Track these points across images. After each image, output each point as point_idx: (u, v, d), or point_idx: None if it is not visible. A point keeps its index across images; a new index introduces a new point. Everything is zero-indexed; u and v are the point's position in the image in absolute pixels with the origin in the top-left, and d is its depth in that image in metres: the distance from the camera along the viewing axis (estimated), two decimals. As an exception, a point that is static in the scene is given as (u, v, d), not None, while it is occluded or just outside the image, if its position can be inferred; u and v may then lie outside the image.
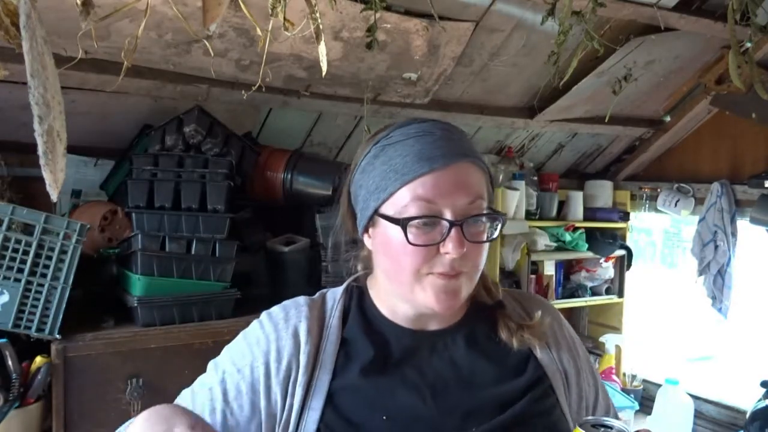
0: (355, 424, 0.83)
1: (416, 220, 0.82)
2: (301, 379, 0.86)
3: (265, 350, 0.88)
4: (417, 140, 0.85)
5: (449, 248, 0.82)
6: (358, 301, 0.96)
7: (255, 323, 0.93)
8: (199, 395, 0.88)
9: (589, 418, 0.79)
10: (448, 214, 0.83)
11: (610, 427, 0.75)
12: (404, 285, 0.86)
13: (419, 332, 0.92)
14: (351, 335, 0.91)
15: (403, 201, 0.84)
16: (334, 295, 0.97)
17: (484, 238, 0.86)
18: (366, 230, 0.92)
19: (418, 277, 0.85)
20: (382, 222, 0.86)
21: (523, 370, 0.91)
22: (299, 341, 0.88)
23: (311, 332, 0.89)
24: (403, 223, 0.82)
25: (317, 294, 0.98)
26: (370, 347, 0.89)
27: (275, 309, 0.94)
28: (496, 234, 0.87)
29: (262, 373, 0.86)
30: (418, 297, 0.86)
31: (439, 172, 0.83)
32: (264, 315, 0.94)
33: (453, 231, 0.82)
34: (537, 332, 0.93)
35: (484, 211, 0.85)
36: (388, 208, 0.85)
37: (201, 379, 0.91)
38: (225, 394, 0.86)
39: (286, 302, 0.95)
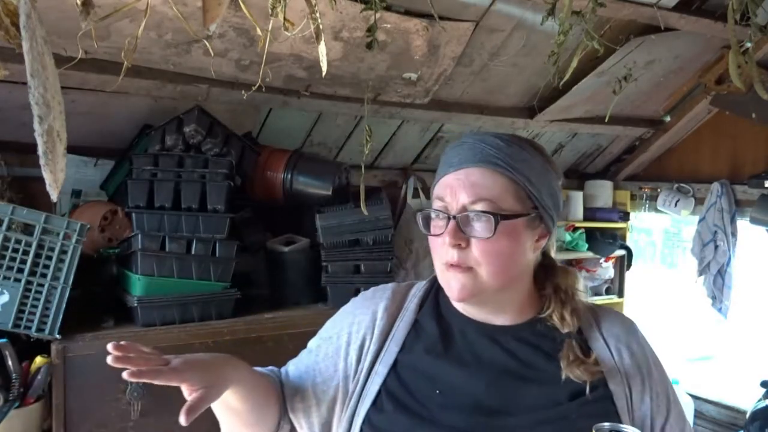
0: (411, 392, 0.96)
1: (429, 212, 0.97)
2: (372, 348, 1.01)
3: (349, 322, 1.05)
4: (452, 149, 0.99)
5: (445, 237, 0.93)
6: (437, 292, 1.07)
7: (351, 300, 1.12)
8: (303, 356, 1.09)
9: (605, 424, 0.81)
10: (452, 209, 0.94)
11: None
12: (438, 274, 0.99)
13: (483, 324, 1.00)
14: (423, 319, 1.04)
15: (433, 200, 0.99)
16: (419, 285, 1.10)
17: (481, 235, 0.92)
18: None
19: (442, 268, 0.96)
20: None
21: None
22: (376, 317, 1.04)
23: (388, 310, 1.04)
24: (422, 216, 0.99)
25: (406, 283, 1.13)
26: (436, 331, 1.01)
27: (368, 291, 1.11)
28: (491, 232, 0.92)
29: (345, 341, 1.04)
30: (445, 285, 0.97)
31: (451, 174, 0.96)
32: (359, 294, 1.12)
33: (450, 223, 0.93)
34: (590, 370, 0.95)
35: (482, 210, 0.92)
36: None
37: (309, 342, 1.10)
38: (317, 356, 1.05)
39: (378, 286, 1.12)
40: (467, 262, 0.93)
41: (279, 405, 1.02)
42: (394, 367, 0.99)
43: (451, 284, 0.95)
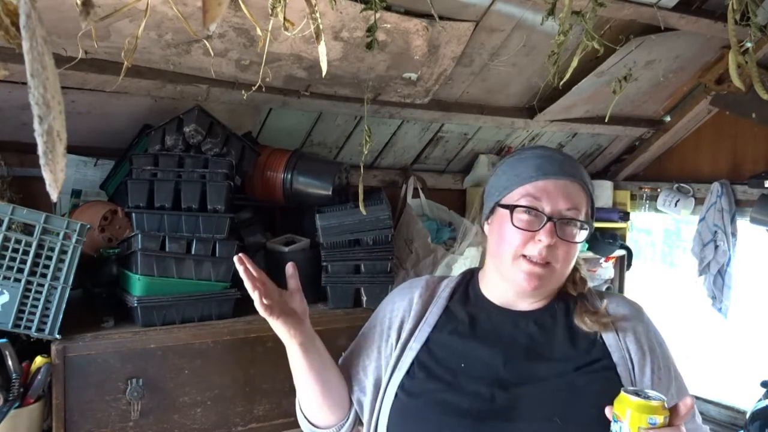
0: (440, 363, 1.12)
1: (521, 208, 1.10)
2: (407, 327, 1.19)
3: (390, 309, 1.24)
4: (539, 158, 1.14)
5: (542, 236, 1.07)
6: (467, 283, 1.25)
7: (390, 292, 1.31)
8: (352, 346, 1.28)
9: (630, 387, 0.95)
10: (547, 211, 1.09)
11: (649, 396, 0.92)
12: (505, 263, 1.12)
13: (507, 310, 1.17)
14: (454, 306, 1.20)
15: (517, 196, 1.12)
16: (451, 279, 1.27)
17: (571, 239, 1.09)
18: (487, 220, 1.20)
19: (515, 257, 1.10)
20: (500, 210, 1.14)
21: (590, 351, 1.11)
22: (412, 303, 1.22)
23: (422, 297, 1.22)
24: (511, 207, 1.11)
25: (438, 276, 1.31)
26: (465, 315, 1.18)
27: (405, 282, 1.30)
28: (580, 238, 1.11)
29: (386, 326, 1.22)
30: (514, 275, 1.11)
31: (550, 180, 1.11)
32: (398, 287, 1.30)
33: (548, 224, 1.08)
34: (601, 321, 1.13)
35: (578, 218, 1.10)
36: (505, 201, 1.13)
37: (359, 333, 1.29)
38: (364, 342, 1.25)
39: (414, 278, 1.30)
40: (550, 258, 1.08)
41: (347, 390, 1.22)
42: (426, 343, 1.15)
43: (526, 275, 1.09)
